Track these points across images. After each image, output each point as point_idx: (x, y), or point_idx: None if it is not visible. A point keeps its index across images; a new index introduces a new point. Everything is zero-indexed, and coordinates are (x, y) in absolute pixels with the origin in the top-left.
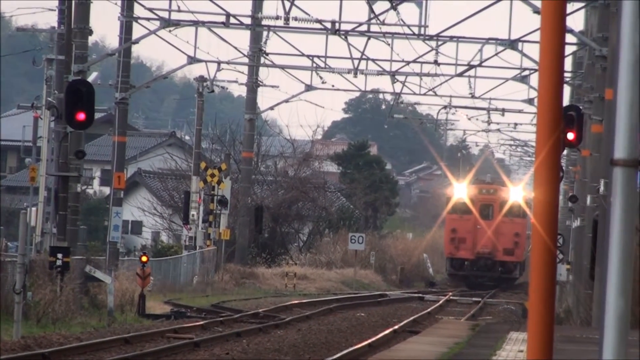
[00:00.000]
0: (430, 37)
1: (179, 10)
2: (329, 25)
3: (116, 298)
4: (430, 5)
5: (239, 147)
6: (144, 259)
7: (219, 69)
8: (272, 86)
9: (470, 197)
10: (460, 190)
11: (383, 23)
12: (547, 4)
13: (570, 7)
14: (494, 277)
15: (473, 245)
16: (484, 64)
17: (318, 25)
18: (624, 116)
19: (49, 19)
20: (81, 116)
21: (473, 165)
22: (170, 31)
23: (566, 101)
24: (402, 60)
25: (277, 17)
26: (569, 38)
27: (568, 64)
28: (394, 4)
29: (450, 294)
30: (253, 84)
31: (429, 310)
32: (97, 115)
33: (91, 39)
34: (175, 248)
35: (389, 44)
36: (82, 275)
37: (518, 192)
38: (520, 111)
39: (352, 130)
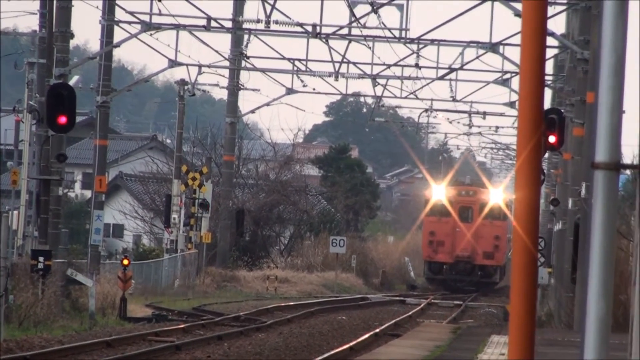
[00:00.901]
0: (412, 40)
1: (160, 14)
2: (310, 28)
3: (98, 301)
4: (412, 8)
5: (220, 151)
6: (126, 262)
7: (200, 73)
8: (253, 89)
9: (449, 199)
10: (439, 192)
11: (364, 26)
12: (528, 7)
13: (551, 10)
14: (474, 281)
15: (452, 248)
16: (465, 67)
17: (299, 29)
18: (605, 119)
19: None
20: (62, 120)
21: (454, 168)
22: (151, 35)
23: (547, 104)
24: (383, 64)
25: (258, 21)
26: (550, 41)
27: (549, 67)
28: (375, 8)
29: (432, 297)
30: (234, 88)
31: (410, 313)
32: (79, 119)
33: (72, 43)
34: (156, 251)
35: (370, 47)
36: (63, 278)
37: (498, 194)
38: (501, 114)
39: (333, 134)
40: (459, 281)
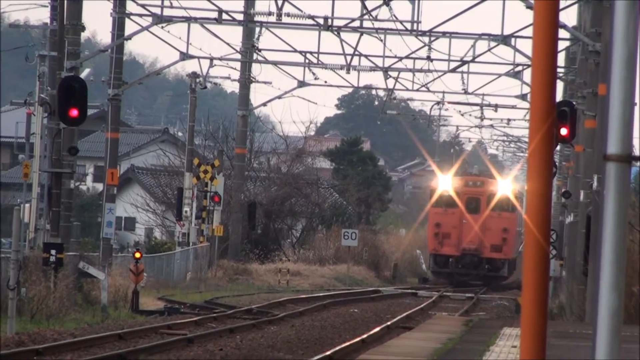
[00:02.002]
0: (423, 33)
1: (172, 7)
2: (321, 21)
3: (110, 294)
4: (423, 0)
5: (232, 144)
6: (138, 255)
7: (211, 65)
8: (265, 82)
9: (455, 189)
10: (445, 182)
11: (376, 19)
12: (540, 0)
13: (563, 2)
14: (481, 275)
15: (458, 241)
16: (476, 60)
17: (310, 21)
18: (617, 111)
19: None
20: (74, 112)
21: (464, 160)
22: (162, 27)
23: (559, 97)
24: (395, 56)
25: (270, 13)
26: (562, 33)
27: (561, 59)
28: (386, 0)
29: (443, 290)
30: (246, 80)
31: (422, 306)
32: (90, 112)
33: (83, 36)
34: (168, 244)
35: (381, 40)
36: (75, 271)
37: (507, 185)
38: (513, 107)
39: (344, 127)
40: (465, 275)
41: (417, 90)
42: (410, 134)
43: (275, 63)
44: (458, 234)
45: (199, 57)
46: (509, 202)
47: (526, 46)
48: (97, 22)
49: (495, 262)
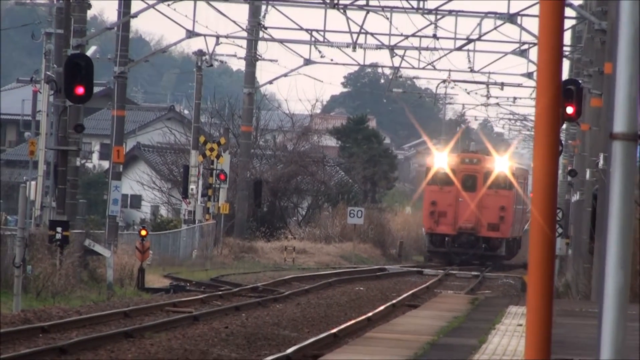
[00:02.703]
0: (429, 11)
1: None
2: None
3: (115, 272)
4: None
5: (238, 121)
6: (143, 232)
7: (217, 43)
8: (271, 60)
9: (451, 167)
10: (441, 159)
11: None
12: None
13: None
14: (477, 254)
15: (454, 219)
16: (483, 38)
17: None
18: (623, 90)
19: None
20: (80, 90)
21: (463, 135)
22: (169, 5)
23: (565, 75)
24: (401, 34)
25: None
26: (568, 12)
27: (567, 37)
28: None
29: (449, 268)
30: (252, 58)
31: (427, 284)
32: (96, 90)
33: (90, 13)
34: (174, 222)
35: (387, 18)
36: (81, 249)
37: (504, 162)
38: (519, 85)
39: (350, 105)
40: (461, 254)
41: (423, 68)
42: (410, 117)
43: (281, 41)
44: (454, 212)
45: (205, 35)
46: (506, 180)
47: (532, 24)
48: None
49: (492, 241)
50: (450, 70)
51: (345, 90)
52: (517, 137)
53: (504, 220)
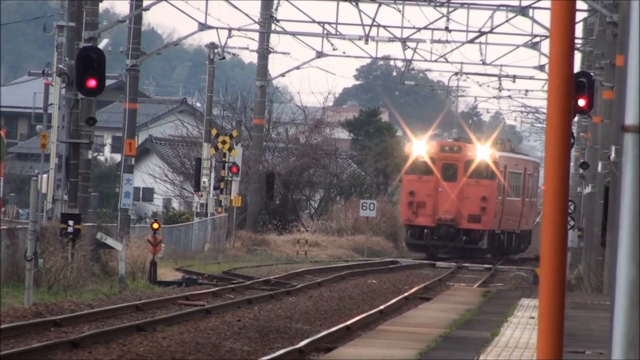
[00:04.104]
0: (441, 4)
1: None
2: None
3: (127, 265)
4: None
5: (250, 114)
6: (155, 226)
7: (230, 36)
8: (283, 53)
9: (430, 155)
10: (420, 147)
11: None
12: None
13: None
14: (458, 247)
15: (433, 210)
16: (494, 31)
17: None
18: (635, 82)
19: None
20: (92, 83)
21: (483, 132)
22: None
23: (577, 68)
24: (413, 27)
25: None
26: (580, 4)
27: (579, 30)
28: None
29: (462, 261)
30: (264, 51)
31: (440, 277)
32: (108, 82)
33: (102, 6)
34: (186, 215)
35: (399, 11)
36: (93, 242)
37: (485, 150)
38: (531, 78)
39: (363, 97)
40: (441, 247)
41: (436, 61)
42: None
43: (293, 34)
44: (433, 203)
45: (217, 28)
46: (488, 169)
47: (544, 17)
48: None
49: (473, 233)
50: (462, 63)
51: (357, 82)
52: (500, 124)
53: (486, 211)
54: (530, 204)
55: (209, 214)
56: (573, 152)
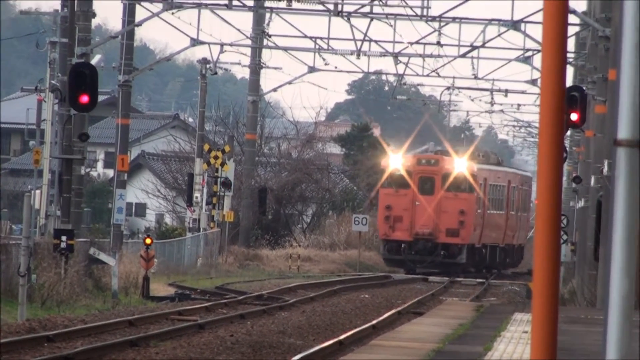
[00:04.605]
0: (433, 18)
1: None
2: (331, 6)
3: (120, 280)
4: None
5: (242, 129)
6: (148, 241)
7: (222, 51)
8: (275, 68)
9: (407, 168)
10: (396, 160)
11: (385, 4)
12: None
13: None
14: (436, 262)
15: (411, 225)
16: (486, 45)
17: (321, 7)
18: (627, 97)
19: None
20: (84, 99)
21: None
22: (173, 13)
23: (569, 82)
24: (405, 42)
25: None
26: (572, 19)
27: (571, 44)
28: None
29: (454, 275)
30: (256, 66)
31: (433, 291)
32: (101, 98)
33: (94, 22)
34: (179, 230)
35: (391, 25)
36: (86, 257)
37: (463, 163)
38: (523, 92)
39: (355, 112)
40: (419, 262)
41: (427, 75)
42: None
43: (285, 49)
44: (410, 217)
45: (209, 43)
46: (467, 182)
47: (536, 31)
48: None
49: (451, 247)
50: (454, 77)
51: (349, 97)
52: (479, 137)
53: (464, 225)
54: (517, 218)
55: (201, 229)
56: (566, 167)
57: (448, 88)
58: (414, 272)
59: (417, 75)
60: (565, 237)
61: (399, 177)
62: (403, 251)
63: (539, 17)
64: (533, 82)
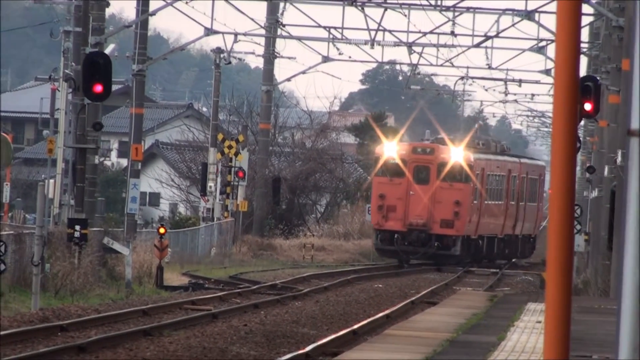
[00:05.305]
0: (447, 8)
1: None
2: None
3: (134, 270)
4: None
5: (256, 119)
6: (162, 230)
7: (235, 41)
8: (289, 57)
9: (402, 157)
10: (391, 148)
11: None
12: None
13: None
14: (429, 253)
15: (404, 214)
16: (500, 35)
17: None
18: None
19: None
20: (98, 88)
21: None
22: (187, 3)
23: (583, 72)
24: (419, 32)
25: None
26: (586, 8)
27: (585, 34)
28: None
29: (468, 265)
30: (270, 56)
31: (446, 281)
32: (115, 87)
33: (108, 11)
34: (192, 220)
35: (405, 15)
36: (100, 247)
37: (459, 152)
38: (537, 82)
39: (369, 102)
40: (412, 253)
41: (441, 65)
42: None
43: (299, 38)
44: (404, 207)
45: (223, 33)
46: (462, 171)
47: (550, 21)
48: None
49: (446, 239)
50: (468, 67)
51: (363, 87)
52: (476, 125)
53: (459, 216)
54: (518, 208)
55: (215, 219)
56: (579, 156)
57: (462, 78)
58: (407, 263)
59: (431, 65)
60: (578, 227)
61: (393, 166)
62: (396, 242)
63: (553, 7)
64: (547, 72)
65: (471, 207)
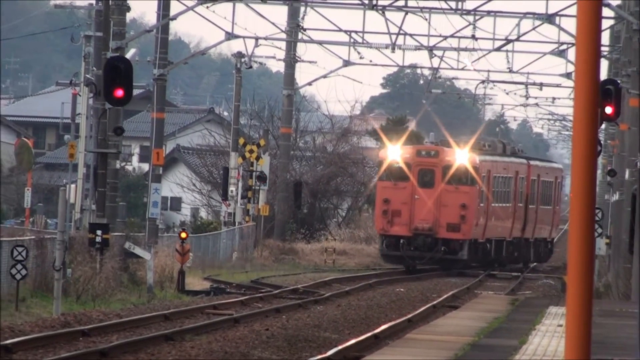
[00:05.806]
0: (468, 12)
1: None
2: (366, 0)
3: (155, 274)
4: None
5: (278, 123)
6: (183, 235)
7: (256, 45)
8: (310, 62)
9: (405, 160)
10: (394, 152)
11: None
12: None
13: None
14: (436, 258)
15: (410, 219)
16: (521, 39)
17: (355, 0)
18: None
19: None
20: (119, 93)
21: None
22: (208, 7)
23: (604, 75)
24: (440, 35)
25: None
26: (606, 12)
27: (605, 37)
28: None
29: (490, 269)
30: (291, 60)
31: (468, 285)
32: (136, 92)
33: (129, 16)
34: (214, 224)
35: (426, 19)
36: (121, 251)
37: (464, 154)
38: (558, 85)
39: (390, 106)
40: (418, 258)
41: (462, 69)
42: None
43: (320, 42)
44: (409, 211)
45: (244, 37)
46: (468, 174)
47: (571, 25)
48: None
49: (452, 243)
50: (489, 71)
51: (384, 91)
52: (481, 126)
53: (466, 219)
54: (527, 211)
55: (236, 223)
56: (600, 160)
57: (483, 81)
58: (413, 269)
59: (452, 68)
60: (599, 230)
61: (397, 170)
62: (402, 247)
63: (574, 10)
64: (568, 75)
65: (478, 210)
